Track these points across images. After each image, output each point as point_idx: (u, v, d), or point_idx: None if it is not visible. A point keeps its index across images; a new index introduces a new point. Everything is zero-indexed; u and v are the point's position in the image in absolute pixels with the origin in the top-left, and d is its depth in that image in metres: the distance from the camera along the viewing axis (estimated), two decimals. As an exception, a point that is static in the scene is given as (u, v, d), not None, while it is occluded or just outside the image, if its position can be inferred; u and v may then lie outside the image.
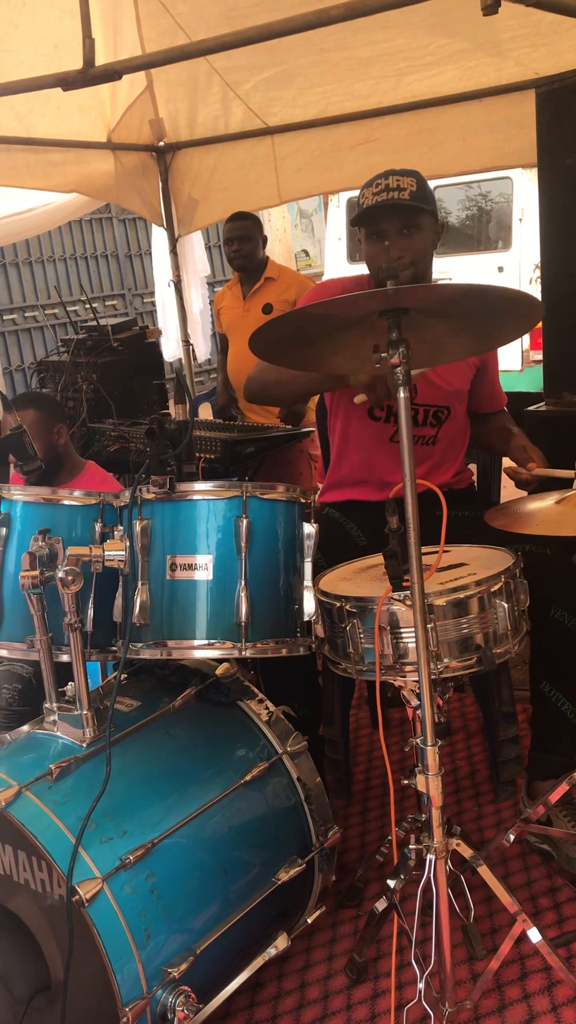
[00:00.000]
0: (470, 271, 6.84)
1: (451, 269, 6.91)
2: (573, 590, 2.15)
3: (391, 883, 1.90)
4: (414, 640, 1.85)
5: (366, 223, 2.35)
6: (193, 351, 5.49)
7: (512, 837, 2.21)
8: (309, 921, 2.04)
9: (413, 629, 1.84)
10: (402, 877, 1.88)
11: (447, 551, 2.17)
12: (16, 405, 2.32)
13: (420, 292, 1.62)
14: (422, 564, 1.69)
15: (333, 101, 4.48)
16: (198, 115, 4.82)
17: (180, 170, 5.10)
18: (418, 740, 1.75)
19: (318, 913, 2.05)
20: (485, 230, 7.02)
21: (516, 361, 6.40)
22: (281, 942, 1.92)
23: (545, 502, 2.05)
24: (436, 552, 2.11)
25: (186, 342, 5.56)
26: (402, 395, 1.61)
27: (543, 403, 3.91)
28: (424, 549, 2.07)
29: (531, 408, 3.89)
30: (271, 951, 1.91)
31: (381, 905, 1.94)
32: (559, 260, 3.71)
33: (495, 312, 1.69)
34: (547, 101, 3.60)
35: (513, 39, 3.78)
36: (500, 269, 6.71)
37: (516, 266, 6.59)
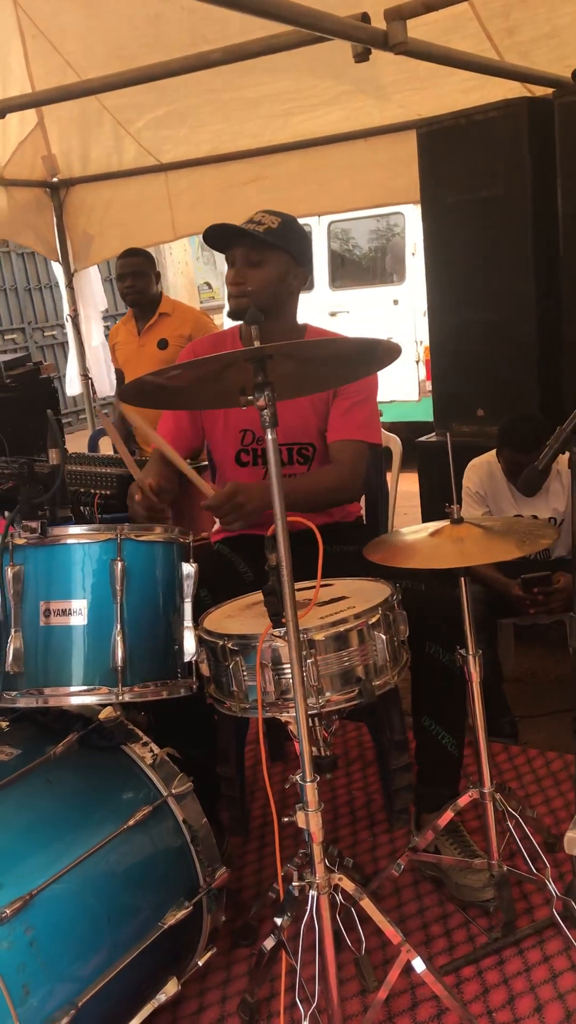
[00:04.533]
0: (366, 304, 7.00)
1: (348, 303, 7.06)
2: (446, 626, 2.20)
3: (278, 920, 1.90)
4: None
5: (222, 247, 2.47)
6: (92, 385, 5.47)
7: (402, 866, 2.24)
8: (200, 963, 2.02)
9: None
10: (288, 914, 1.88)
11: (329, 585, 2.20)
12: None
13: (284, 347, 1.66)
14: (295, 600, 1.71)
15: (224, 139, 4.57)
16: (91, 152, 4.85)
17: (75, 205, 5.11)
18: (297, 777, 1.76)
19: (209, 954, 2.03)
20: (381, 264, 7.19)
21: (413, 391, 6.56)
22: (171, 987, 1.89)
23: (420, 535, 2.10)
24: (313, 587, 2.15)
25: (84, 376, 5.54)
26: (270, 436, 1.64)
27: (433, 434, 4.03)
28: (306, 584, 2.11)
29: (422, 439, 4.00)
30: (160, 997, 1.88)
31: (269, 943, 1.94)
32: (444, 296, 3.84)
33: (353, 355, 1.75)
34: (427, 142, 3.74)
35: (395, 83, 3.92)
36: (395, 302, 6.88)
37: (410, 299, 6.76)
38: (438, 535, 2.06)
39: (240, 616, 2.11)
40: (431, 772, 2.40)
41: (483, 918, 2.25)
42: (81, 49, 4.14)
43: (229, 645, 1.93)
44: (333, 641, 1.92)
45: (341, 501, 2.55)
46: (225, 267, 2.54)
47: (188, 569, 1.97)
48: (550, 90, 3.50)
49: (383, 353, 1.77)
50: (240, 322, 2.52)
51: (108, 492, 3.61)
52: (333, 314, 7.06)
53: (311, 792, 1.74)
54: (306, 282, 2.55)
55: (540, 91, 3.63)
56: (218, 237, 2.46)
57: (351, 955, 2.09)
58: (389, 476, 3.66)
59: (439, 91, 3.85)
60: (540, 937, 2.17)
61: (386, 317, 6.83)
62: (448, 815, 2.19)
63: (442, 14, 3.12)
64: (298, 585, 2.00)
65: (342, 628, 1.92)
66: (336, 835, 2.66)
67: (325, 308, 7.07)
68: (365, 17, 2.59)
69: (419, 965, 1.85)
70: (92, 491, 3.64)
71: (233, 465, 2.54)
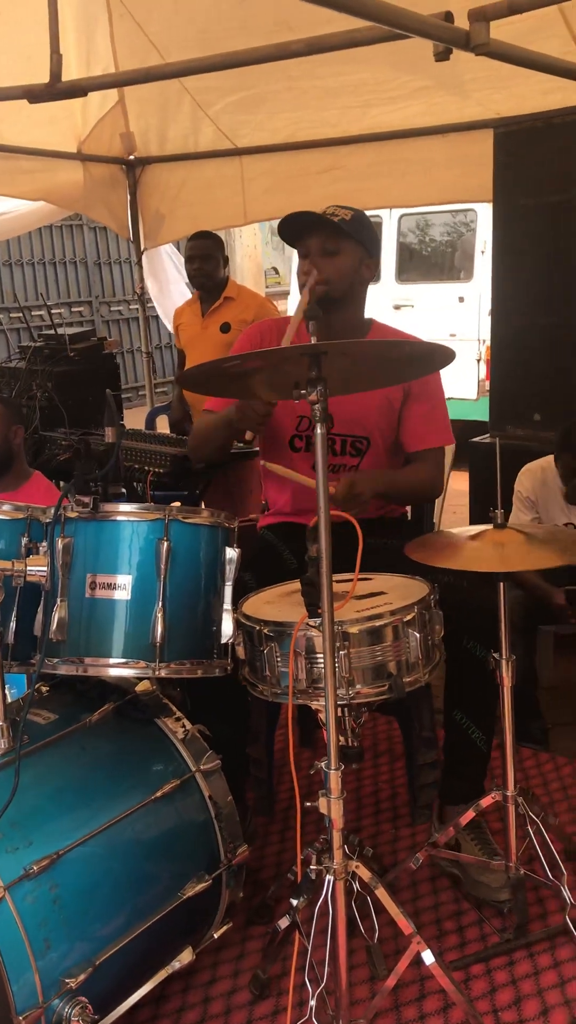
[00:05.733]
0: (432, 299, 6.96)
1: (414, 297, 7.03)
2: (484, 623, 2.21)
3: (294, 902, 1.95)
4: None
5: (294, 239, 2.51)
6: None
7: (420, 860, 2.27)
8: (216, 936, 2.08)
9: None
10: (304, 896, 1.92)
11: (369, 579, 2.23)
12: None
13: (338, 346, 1.69)
14: (333, 593, 1.75)
15: (301, 127, 4.57)
16: (168, 132, 4.88)
17: (149, 184, 5.16)
18: (322, 764, 1.80)
19: (225, 928, 2.09)
20: (450, 260, 7.15)
21: (472, 390, 6.52)
22: (186, 956, 1.96)
23: (462, 537, 2.11)
24: (355, 580, 2.18)
25: (148, 354, 5.61)
26: (319, 431, 1.68)
27: (487, 435, 4.02)
28: (345, 576, 2.15)
29: (475, 439, 4.00)
30: (175, 964, 1.94)
31: (284, 923, 1.99)
32: (509, 298, 3.83)
33: (407, 357, 1.77)
34: (504, 142, 3.72)
35: (475, 80, 3.88)
36: (461, 299, 6.83)
37: (476, 297, 6.71)
38: (480, 539, 2.07)
39: (279, 603, 2.15)
40: (458, 765, 2.43)
41: (497, 918, 2.27)
42: (166, 30, 4.17)
43: (265, 631, 1.97)
44: (367, 635, 1.95)
45: (422, 501, 2.78)
46: (293, 253, 2.58)
47: (231, 553, 2.02)
48: (632, 97, 3.46)
49: (439, 358, 1.79)
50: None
51: (161, 470, 3.68)
52: (397, 307, 7.04)
53: (335, 780, 1.78)
54: (375, 275, 2.59)
55: (622, 95, 3.59)
56: (291, 228, 2.49)
57: (363, 942, 2.14)
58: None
59: (519, 91, 3.80)
60: (552, 943, 2.19)
61: (451, 313, 6.79)
62: (470, 814, 2.22)
63: (528, 14, 3.11)
64: (337, 577, 2.05)
65: (377, 623, 1.96)
66: (359, 824, 2.70)
67: (390, 301, 7.06)
68: (448, 16, 2.58)
69: (428, 957, 1.89)
70: (146, 468, 3.70)
71: (286, 449, 2.58)
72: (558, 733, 3.14)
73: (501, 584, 2.09)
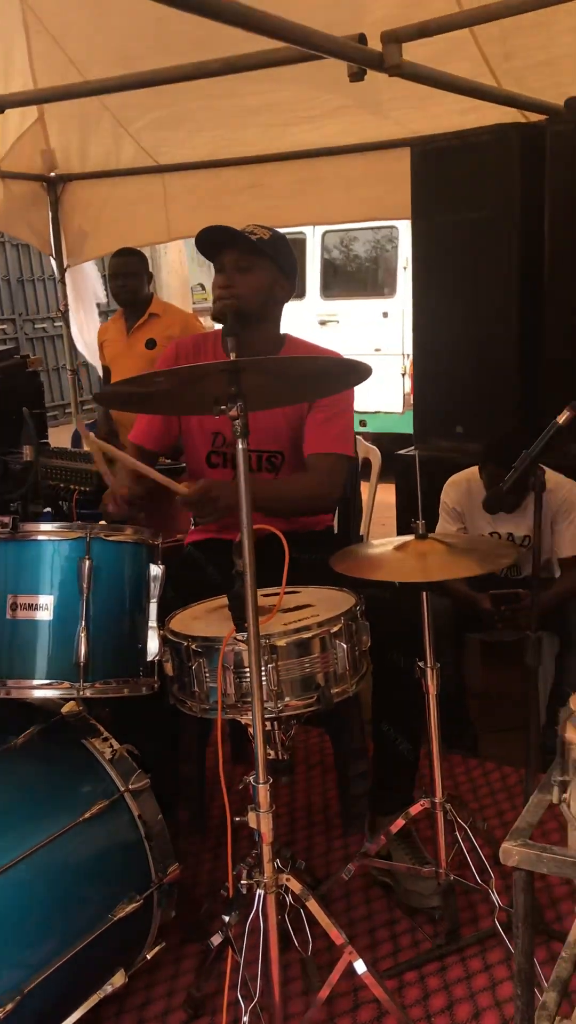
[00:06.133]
0: (357, 315, 7.06)
1: (339, 312, 7.13)
2: (409, 633, 2.24)
3: (226, 918, 1.94)
4: (256, 679, 1.92)
5: (211, 254, 2.53)
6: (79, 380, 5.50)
7: (352, 871, 2.29)
8: (148, 957, 2.06)
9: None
10: (236, 912, 1.92)
11: (297, 592, 2.25)
12: None
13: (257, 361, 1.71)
14: (258, 606, 1.76)
15: (221, 145, 4.60)
16: (89, 149, 4.87)
17: (71, 201, 5.13)
18: (251, 778, 1.80)
19: (158, 949, 2.07)
20: (373, 276, 7.26)
21: (398, 403, 6.62)
22: (118, 979, 1.94)
23: (386, 548, 2.15)
24: (281, 594, 2.19)
25: (72, 371, 5.56)
26: (240, 446, 1.69)
27: (412, 447, 4.08)
28: (271, 590, 2.16)
29: (400, 452, 4.05)
30: (107, 988, 1.92)
31: (217, 940, 1.98)
32: (429, 313, 3.89)
33: (326, 372, 1.80)
34: (421, 160, 3.79)
35: (392, 100, 3.96)
36: (385, 314, 6.94)
37: (400, 312, 6.83)
38: (403, 549, 2.11)
39: (206, 618, 2.15)
40: (387, 776, 2.46)
41: (429, 925, 2.30)
42: (84, 48, 4.16)
43: (193, 646, 1.97)
44: (295, 647, 1.97)
45: (316, 510, 2.61)
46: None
47: (156, 570, 2.01)
48: (544, 116, 3.57)
49: (356, 372, 1.82)
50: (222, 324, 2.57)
51: (88, 488, 3.63)
52: (323, 323, 7.12)
53: (263, 793, 1.78)
54: (290, 296, 2.61)
55: (535, 117, 3.70)
56: (209, 243, 2.51)
57: (298, 955, 2.14)
58: (366, 487, 3.72)
59: (435, 111, 3.89)
60: (483, 946, 2.22)
61: (375, 329, 6.89)
62: (399, 823, 2.24)
63: (441, 37, 3.19)
64: (265, 591, 2.06)
65: (304, 635, 1.97)
66: (293, 838, 2.70)
67: (315, 316, 7.13)
68: (362, 38, 2.64)
69: (361, 967, 1.90)
70: (72, 487, 3.66)
71: (204, 466, 2.60)
72: (487, 740, 3.19)
73: (424, 593, 2.12)
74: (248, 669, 1.91)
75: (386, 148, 4.17)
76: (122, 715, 2.25)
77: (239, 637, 1.89)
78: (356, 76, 2.72)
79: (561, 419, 2.06)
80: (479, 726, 3.22)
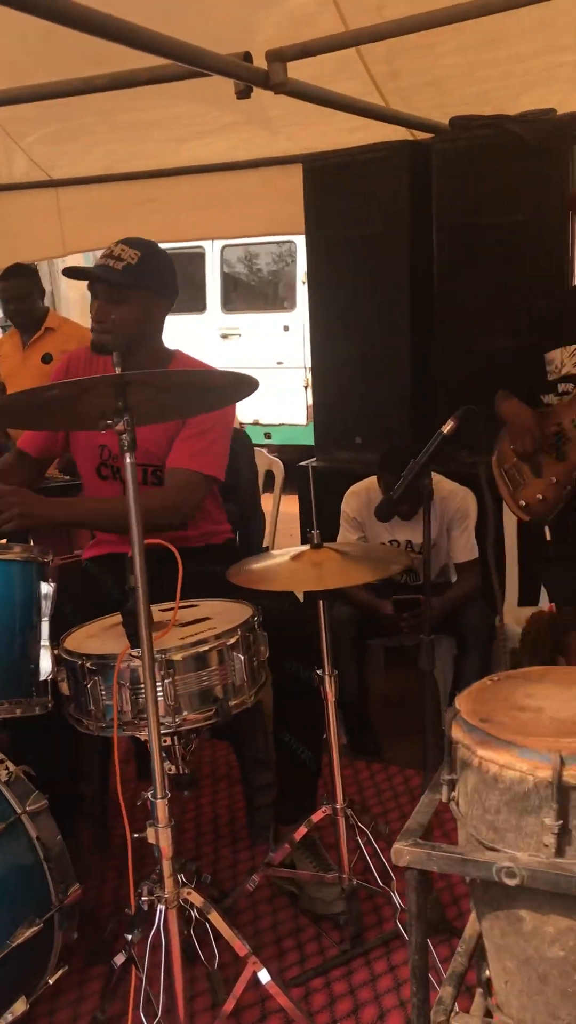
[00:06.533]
0: (258, 328, 7.11)
1: (240, 326, 7.17)
2: (306, 644, 2.27)
3: (129, 936, 1.92)
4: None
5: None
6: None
7: (256, 882, 2.30)
8: (51, 982, 2.02)
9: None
10: (138, 930, 1.90)
11: (195, 605, 2.25)
12: None
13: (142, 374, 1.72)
14: (152, 621, 1.76)
15: (117, 159, 4.58)
16: (-22, 162, 4.79)
17: (-40, 215, 5.03)
18: (148, 794, 1.80)
19: (60, 973, 2.03)
20: (274, 289, 7.33)
21: (302, 415, 6.69)
22: (19, 1006, 1.90)
23: (282, 559, 2.17)
24: (180, 607, 2.19)
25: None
26: (128, 460, 1.69)
27: (313, 459, 4.13)
28: (168, 605, 2.16)
29: (303, 463, 4.10)
30: (8, 1016, 1.88)
31: (120, 959, 1.96)
32: (324, 326, 3.96)
33: (210, 386, 1.82)
34: (312, 177, 3.87)
35: (281, 116, 4.00)
36: (286, 328, 7.01)
37: (300, 325, 6.90)
38: (298, 559, 2.13)
39: (102, 636, 2.14)
40: (289, 786, 2.47)
41: (335, 931, 2.32)
42: (-28, 60, 4.10)
43: (87, 665, 1.96)
44: (192, 661, 1.97)
45: (162, 525, 2.36)
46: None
47: (46, 588, 1.99)
48: (430, 135, 3.68)
49: (243, 386, 1.83)
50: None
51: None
52: (225, 336, 7.15)
53: (161, 809, 1.78)
54: (170, 308, 2.53)
55: (422, 135, 3.80)
56: (78, 274, 2.48)
57: (204, 969, 2.13)
58: (270, 498, 3.75)
59: (325, 128, 3.95)
60: (387, 947, 2.26)
61: (276, 342, 6.95)
62: (302, 830, 2.26)
63: (329, 56, 3.25)
64: (162, 606, 2.06)
65: (201, 649, 1.98)
66: (200, 852, 2.70)
67: (216, 330, 7.15)
68: (247, 56, 2.68)
69: (265, 977, 1.91)
70: None
71: (95, 478, 2.57)
72: (390, 744, 3.24)
73: (320, 602, 2.15)
74: (143, 685, 1.91)
75: (279, 164, 4.22)
76: (20, 736, 2.21)
77: (134, 653, 1.88)
78: (243, 93, 2.76)
79: (446, 428, 2.13)
80: (382, 731, 3.27)
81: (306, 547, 2.15)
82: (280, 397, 6.33)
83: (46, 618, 1.99)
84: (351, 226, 3.76)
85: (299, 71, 3.18)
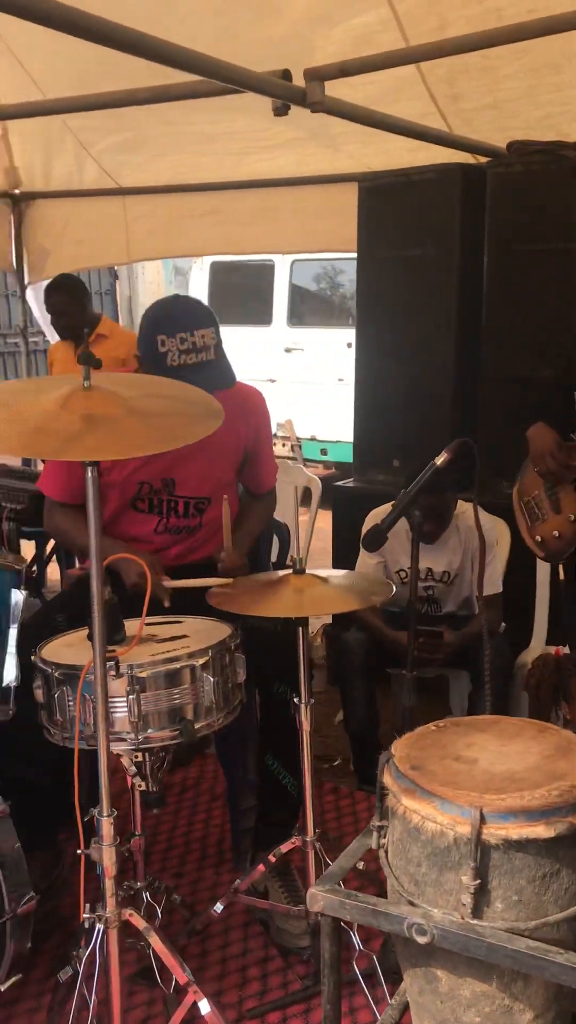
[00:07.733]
0: (322, 344, 7.08)
1: (304, 341, 7.15)
2: (297, 667, 2.22)
3: (75, 952, 1.91)
4: (119, 709, 1.91)
5: None
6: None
7: (221, 907, 2.26)
8: (2, 990, 2.02)
9: (118, 698, 1.90)
10: (81, 946, 1.89)
11: (180, 622, 2.23)
12: None
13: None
14: (105, 638, 1.74)
15: (181, 170, 4.63)
16: (53, 168, 4.90)
17: (34, 219, 5.17)
18: (95, 811, 1.78)
19: (11, 982, 2.03)
20: (339, 306, 7.29)
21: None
22: (-35, 1010, 1.90)
23: (265, 582, 2.13)
24: (162, 623, 2.18)
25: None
26: (89, 475, 1.69)
27: (352, 479, 4.08)
28: (156, 619, 2.15)
29: (337, 483, 4.06)
30: (-45, 1021, 1.89)
31: (64, 975, 1.95)
32: (369, 346, 3.92)
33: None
34: (367, 196, 3.84)
35: (344, 134, 3.98)
36: (349, 345, 6.95)
37: (363, 344, 6.87)
38: (281, 584, 2.09)
39: (79, 646, 2.13)
40: (269, 811, 2.43)
41: (301, 965, 2.26)
42: (47, 68, 4.20)
43: (56, 674, 1.96)
44: (161, 678, 1.95)
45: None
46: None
47: (17, 596, 2.00)
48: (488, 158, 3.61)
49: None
50: None
51: (18, 507, 3.64)
52: (288, 350, 7.13)
53: (107, 827, 1.76)
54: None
55: (482, 158, 3.73)
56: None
57: (162, 992, 2.10)
58: (306, 514, 3.72)
59: (386, 146, 3.92)
60: (351, 990, 2.18)
61: (339, 359, 6.88)
62: (271, 859, 2.22)
63: (388, 76, 3.22)
64: (148, 620, 2.05)
65: (171, 667, 1.96)
66: (181, 870, 2.67)
67: (281, 344, 7.15)
68: (286, 74, 2.66)
69: (205, 1007, 1.87)
70: (3, 504, 3.66)
71: (128, 510, 2.51)
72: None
73: (300, 628, 2.11)
74: (112, 699, 1.89)
75: (338, 182, 4.20)
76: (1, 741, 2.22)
77: (103, 666, 1.87)
78: (280, 110, 2.75)
79: (439, 460, 2.06)
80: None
81: (288, 571, 2.11)
82: (339, 414, 6.29)
83: (15, 625, 2.00)
84: (402, 246, 3.72)
85: (360, 91, 3.16)
